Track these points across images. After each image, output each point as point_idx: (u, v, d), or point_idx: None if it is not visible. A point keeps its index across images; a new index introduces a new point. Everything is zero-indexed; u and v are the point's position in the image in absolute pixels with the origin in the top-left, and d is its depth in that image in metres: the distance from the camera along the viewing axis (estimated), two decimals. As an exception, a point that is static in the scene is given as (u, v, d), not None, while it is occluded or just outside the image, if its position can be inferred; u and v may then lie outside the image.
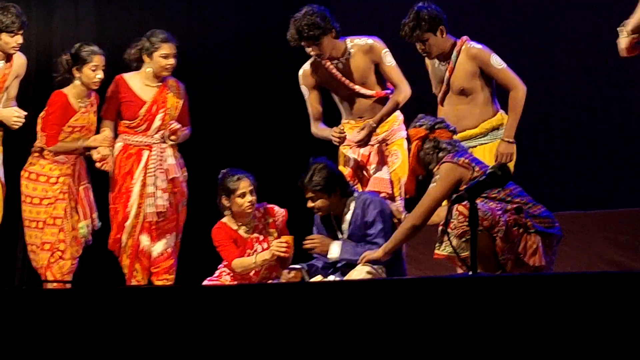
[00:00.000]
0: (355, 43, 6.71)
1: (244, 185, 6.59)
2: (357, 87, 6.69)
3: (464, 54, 6.38)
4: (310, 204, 6.29)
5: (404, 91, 6.65)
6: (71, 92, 6.89)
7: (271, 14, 8.69)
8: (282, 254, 6.38)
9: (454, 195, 4.94)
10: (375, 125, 6.57)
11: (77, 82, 6.88)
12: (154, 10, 8.63)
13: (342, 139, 6.56)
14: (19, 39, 6.83)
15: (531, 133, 7.67)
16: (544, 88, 7.94)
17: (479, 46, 6.41)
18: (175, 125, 6.96)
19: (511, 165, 6.23)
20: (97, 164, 6.87)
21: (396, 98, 6.64)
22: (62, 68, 6.92)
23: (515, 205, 5.31)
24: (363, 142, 6.60)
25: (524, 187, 5.52)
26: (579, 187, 7.91)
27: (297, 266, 6.36)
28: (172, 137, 6.96)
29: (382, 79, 6.74)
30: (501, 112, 6.39)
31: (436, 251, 5.47)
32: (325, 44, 6.58)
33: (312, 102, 6.85)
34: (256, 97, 8.70)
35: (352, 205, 6.26)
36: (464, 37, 6.44)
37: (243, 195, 6.59)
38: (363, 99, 6.71)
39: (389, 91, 6.71)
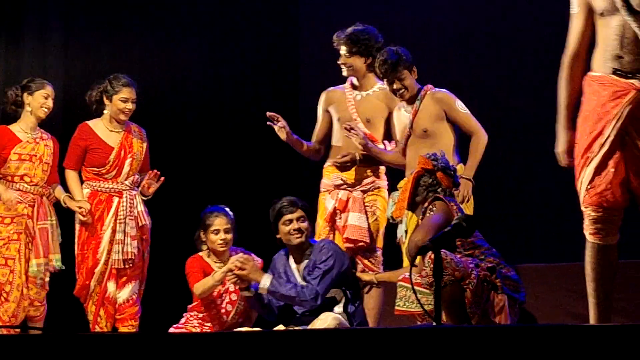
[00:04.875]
0: (384, 86, 6.75)
1: (219, 222, 6.61)
2: (358, 120, 6.73)
3: (429, 98, 6.47)
4: (295, 225, 6.25)
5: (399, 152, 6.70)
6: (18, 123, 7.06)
7: (240, 53, 8.79)
8: (236, 269, 6.18)
9: (420, 247, 4.93)
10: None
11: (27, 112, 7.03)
12: (121, 50, 8.71)
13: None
14: None
15: (495, 186, 7.72)
16: (508, 139, 8.00)
17: (444, 90, 6.52)
18: (153, 183, 6.99)
19: (470, 205, 6.25)
20: (82, 218, 6.89)
21: (392, 153, 6.70)
22: (10, 100, 7.05)
23: (489, 265, 5.31)
24: (343, 165, 6.68)
25: (488, 240, 5.54)
26: (543, 240, 7.95)
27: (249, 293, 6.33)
28: (150, 191, 7.00)
29: (387, 131, 6.83)
30: (461, 164, 6.41)
31: (397, 307, 5.47)
32: (360, 65, 6.75)
33: (320, 123, 7.01)
34: (225, 140, 8.74)
35: (310, 251, 6.26)
36: (429, 85, 6.54)
37: (217, 232, 6.60)
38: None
39: (382, 146, 6.77)
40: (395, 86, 6.49)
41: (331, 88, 7.01)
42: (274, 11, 9.13)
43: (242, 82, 8.93)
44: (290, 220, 6.22)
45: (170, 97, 8.76)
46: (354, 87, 6.90)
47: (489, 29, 8.43)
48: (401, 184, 6.44)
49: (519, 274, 5.45)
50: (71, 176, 7.03)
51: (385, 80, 6.53)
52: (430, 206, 5.63)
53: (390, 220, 6.45)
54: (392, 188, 6.68)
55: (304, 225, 6.24)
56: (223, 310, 6.61)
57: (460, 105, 6.46)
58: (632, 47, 4.71)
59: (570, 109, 4.89)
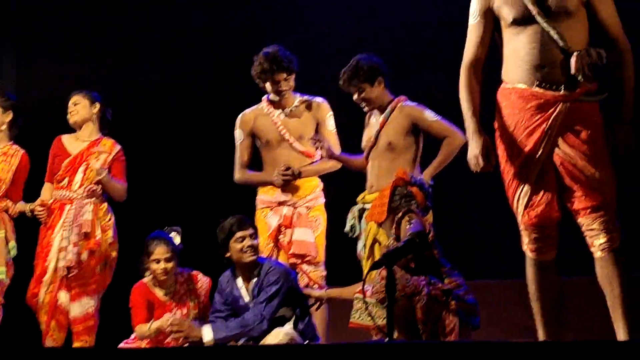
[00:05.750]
0: (305, 98, 6.82)
1: (160, 251, 6.51)
2: (292, 140, 6.70)
3: (398, 111, 6.42)
4: (248, 242, 6.19)
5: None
6: None
7: (195, 68, 8.76)
8: (171, 333, 6.19)
9: (373, 262, 4.93)
10: (299, 173, 6.63)
11: None
12: (75, 64, 8.70)
13: (290, 176, 6.60)
14: None
15: (451, 201, 7.74)
16: (463, 154, 8.02)
17: (413, 104, 6.46)
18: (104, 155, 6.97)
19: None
20: (38, 210, 6.87)
21: (327, 162, 6.67)
22: None
23: (445, 288, 5.28)
24: (283, 180, 6.63)
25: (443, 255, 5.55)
26: (497, 256, 7.98)
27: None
28: (99, 171, 6.88)
29: None
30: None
31: (352, 320, 5.46)
32: (291, 83, 6.71)
33: (244, 147, 6.88)
34: (185, 154, 8.72)
35: (258, 270, 6.22)
36: (402, 97, 6.49)
37: (157, 261, 6.51)
38: (293, 153, 6.72)
39: (318, 157, 6.73)
40: (355, 97, 6.45)
41: (246, 111, 6.92)
42: (265, 17, 9.06)
43: (234, 85, 8.87)
44: (243, 238, 6.19)
45: (124, 109, 8.70)
46: (272, 104, 6.84)
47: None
48: (359, 198, 6.43)
49: (474, 290, 5.46)
50: (43, 187, 7.07)
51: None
52: (407, 217, 5.63)
53: (349, 235, 6.44)
54: (338, 204, 6.67)
55: (256, 242, 6.23)
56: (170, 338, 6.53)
57: (429, 114, 6.39)
58: (553, 56, 4.65)
59: (477, 115, 4.83)
